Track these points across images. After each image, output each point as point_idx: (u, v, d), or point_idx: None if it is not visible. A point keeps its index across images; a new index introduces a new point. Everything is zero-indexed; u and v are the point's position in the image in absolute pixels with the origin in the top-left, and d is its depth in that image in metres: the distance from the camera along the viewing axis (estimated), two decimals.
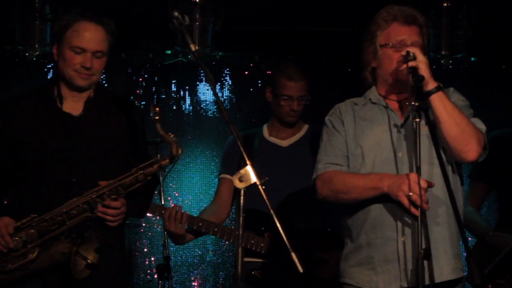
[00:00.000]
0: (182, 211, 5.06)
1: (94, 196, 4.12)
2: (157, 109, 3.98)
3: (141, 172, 4.14)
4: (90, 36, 4.22)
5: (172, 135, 4.06)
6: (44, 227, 4.12)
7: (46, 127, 4.27)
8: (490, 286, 5.16)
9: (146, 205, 4.61)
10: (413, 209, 3.88)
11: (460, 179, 4.23)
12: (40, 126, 4.27)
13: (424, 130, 3.93)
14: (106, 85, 6.26)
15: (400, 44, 4.10)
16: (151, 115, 4.01)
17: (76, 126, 4.28)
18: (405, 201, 3.89)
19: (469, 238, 5.25)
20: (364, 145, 4.16)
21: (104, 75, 6.85)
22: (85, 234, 4.11)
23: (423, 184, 3.86)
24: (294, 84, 5.36)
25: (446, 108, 3.98)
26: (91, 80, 4.27)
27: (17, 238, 4.10)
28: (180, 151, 4.09)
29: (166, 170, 4.60)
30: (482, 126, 4.13)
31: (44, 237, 4.13)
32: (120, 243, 4.39)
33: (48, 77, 7.00)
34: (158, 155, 4.42)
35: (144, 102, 6.86)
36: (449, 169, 4.08)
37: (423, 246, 3.76)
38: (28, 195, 4.25)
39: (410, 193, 3.87)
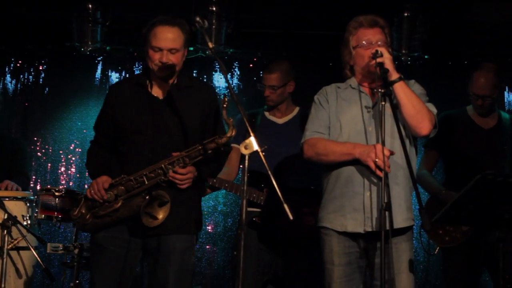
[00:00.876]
0: None
1: (166, 163, 4.11)
2: (226, 99, 3.93)
3: (202, 147, 4.12)
4: (164, 37, 4.16)
5: (231, 120, 4.01)
6: (130, 185, 4.14)
7: (138, 108, 4.25)
8: (440, 231, 5.15)
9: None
10: (378, 172, 3.92)
11: (415, 150, 4.24)
12: (133, 107, 4.25)
13: (388, 110, 3.94)
14: None
15: (368, 43, 4.13)
16: (221, 103, 4.00)
17: (161, 107, 4.24)
18: (372, 165, 3.94)
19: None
20: (343, 120, 4.17)
21: (140, 66, 6.85)
22: (152, 192, 4.11)
23: (386, 152, 3.90)
24: (266, 75, 5.38)
25: (406, 93, 4.01)
26: (169, 71, 4.23)
27: (110, 192, 4.14)
28: (234, 133, 4.07)
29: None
30: (434, 109, 4.16)
31: (130, 192, 4.15)
32: (188, 201, 4.27)
33: (98, 68, 7.00)
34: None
35: None
36: (407, 141, 4.08)
37: (385, 200, 3.79)
38: (122, 160, 4.25)
39: (376, 159, 3.90)
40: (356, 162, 4.05)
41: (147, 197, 4.08)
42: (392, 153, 3.93)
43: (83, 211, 4.23)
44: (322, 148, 4.15)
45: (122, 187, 4.15)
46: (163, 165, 4.11)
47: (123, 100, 4.29)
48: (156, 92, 4.29)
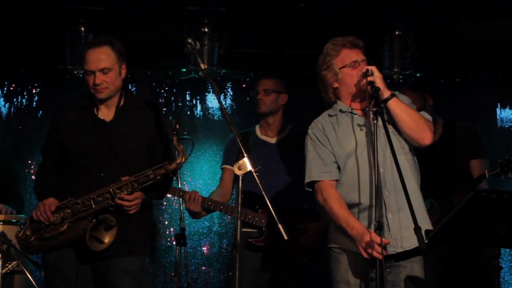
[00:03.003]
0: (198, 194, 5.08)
1: (115, 187, 4.09)
2: (177, 126, 3.96)
3: (152, 172, 4.11)
4: (91, 59, 4.17)
5: (181, 146, 4.04)
6: (76, 208, 4.12)
7: (84, 131, 4.24)
8: None
9: (163, 193, 4.52)
10: (365, 254, 3.83)
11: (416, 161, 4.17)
12: (80, 130, 4.24)
13: (381, 128, 3.88)
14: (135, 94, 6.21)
15: (354, 63, 4.09)
16: (172, 129, 4.02)
17: (108, 130, 4.24)
18: (363, 252, 3.85)
19: None
20: (347, 147, 4.08)
21: (134, 88, 6.85)
22: (99, 216, 4.09)
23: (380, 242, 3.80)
24: (261, 81, 5.45)
25: (402, 108, 4.00)
26: (107, 93, 4.21)
27: (57, 215, 4.11)
28: (184, 160, 4.10)
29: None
30: (429, 117, 4.14)
31: (76, 216, 4.13)
32: (137, 223, 4.25)
33: None
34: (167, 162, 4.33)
35: (165, 109, 6.86)
36: (410, 154, 4.08)
37: (385, 219, 3.81)
38: (70, 183, 4.23)
39: (369, 250, 3.81)
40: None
41: (93, 221, 4.07)
42: (386, 243, 3.81)
43: (28, 233, 4.20)
44: (330, 206, 4.02)
45: (69, 210, 4.13)
46: (111, 189, 4.10)
47: (70, 123, 4.28)
48: (103, 114, 4.27)
